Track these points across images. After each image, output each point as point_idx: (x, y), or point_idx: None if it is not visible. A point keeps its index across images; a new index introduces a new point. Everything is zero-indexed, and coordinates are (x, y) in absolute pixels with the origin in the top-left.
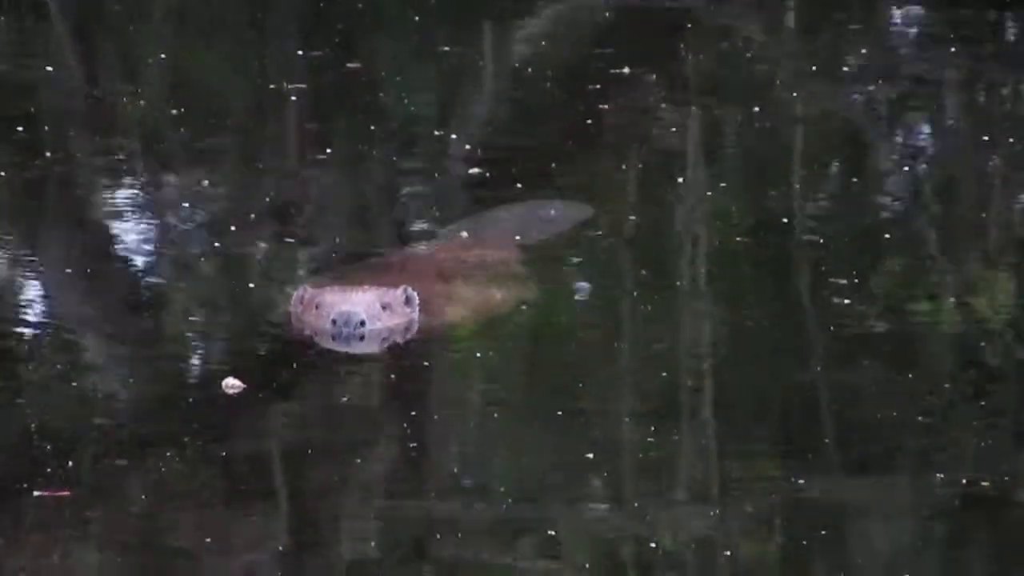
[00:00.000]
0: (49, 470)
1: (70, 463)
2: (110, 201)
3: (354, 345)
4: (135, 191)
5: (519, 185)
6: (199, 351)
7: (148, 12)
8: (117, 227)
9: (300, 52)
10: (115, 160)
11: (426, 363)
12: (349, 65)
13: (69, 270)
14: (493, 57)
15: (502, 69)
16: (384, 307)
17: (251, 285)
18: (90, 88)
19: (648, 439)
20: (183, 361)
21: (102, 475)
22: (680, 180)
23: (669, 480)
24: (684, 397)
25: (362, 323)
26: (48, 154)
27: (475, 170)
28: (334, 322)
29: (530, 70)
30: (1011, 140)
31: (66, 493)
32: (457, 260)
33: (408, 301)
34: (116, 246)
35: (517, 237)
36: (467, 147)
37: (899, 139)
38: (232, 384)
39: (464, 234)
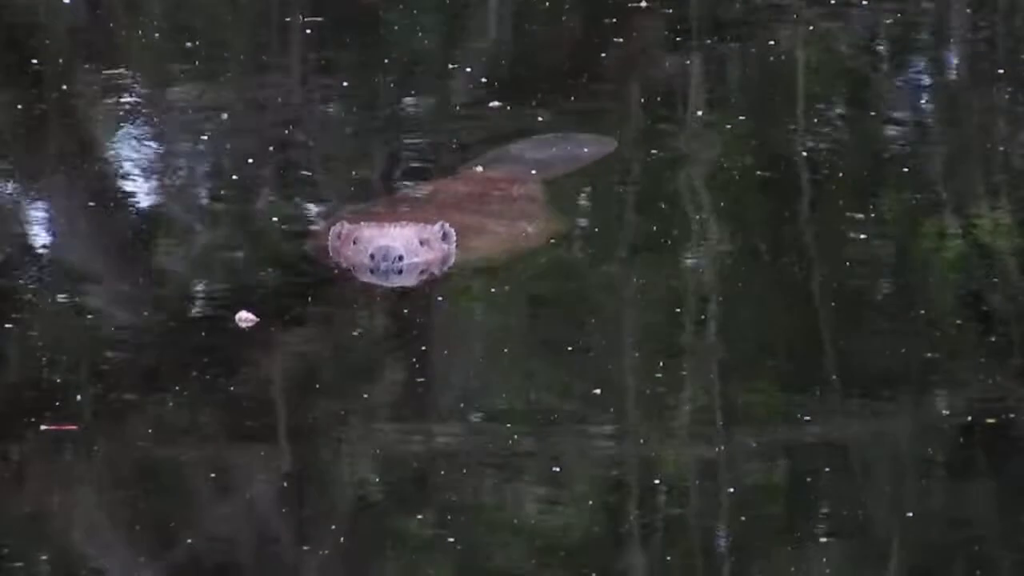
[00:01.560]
0: (57, 404)
1: (79, 397)
2: (116, 133)
3: (392, 280)
4: (141, 123)
5: (540, 119)
6: (208, 284)
7: None
8: (122, 159)
9: None
10: (121, 94)
11: (441, 297)
12: None
13: (74, 203)
14: None
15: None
16: (422, 242)
17: (275, 219)
18: (96, 21)
19: (655, 373)
20: (192, 295)
21: (110, 409)
22: (686, 114)
23: (674, 414)
24: (690, 331)
25: (400, 258)
26: (64, 87)
27: (494, 103)
28: (372, 257)
29: (547, 3)
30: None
31: (73, 427)
32: (484, 194)
33: (445, 236)
34: (122, 179)
35: (534, 171)
36: (483, 80)
37: (903, 69)
38: (245, 317)
39: (479, 168)
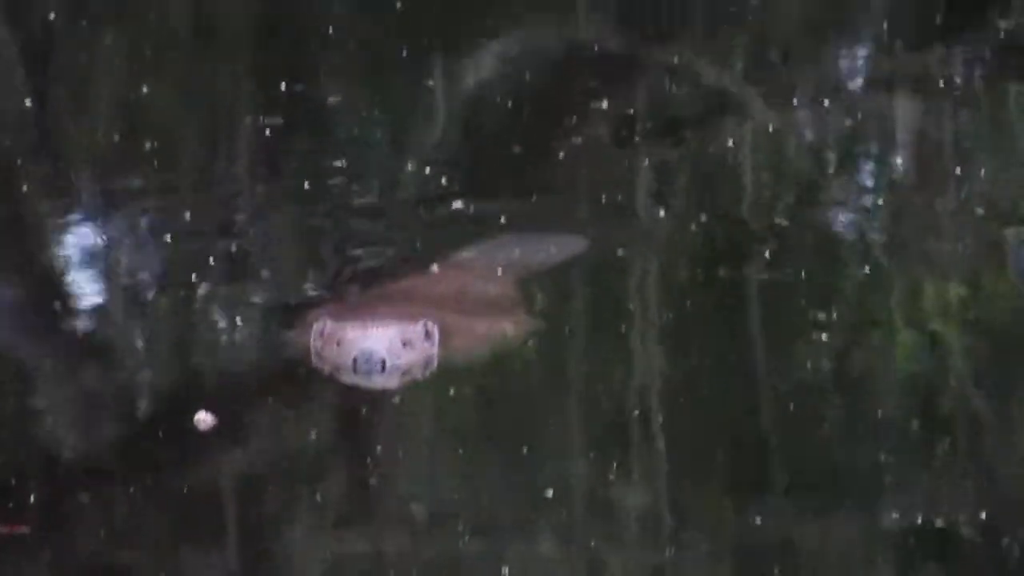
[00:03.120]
0: (11, 505)
1: (32, 498)
2: (60, 234)
3: (375, 381)
4: (91, 222)
5: (502, 219)
6: (164, 385)
7: (102, 46)
8: (71, 257)
9: (283, 86)
10: (67, 196)
11: (397, 399)
12: (331, 99)
13: (20, 301)
14: (464, 92)
15: (474, 104)
16: (405, 343)
17: (237, 322)
18: (41, 121)
19: (605, 477)
20: (140, 398)
21: (61, 511)
22: (641, 213)
23: (622, 520)
24: (639, 436)
25: (383, 361)
26: (12, 186)
27: (457, 204)
28: (355, 360)
29: (508, 104)
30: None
31: (24, 529)
32: (460, 292)
33: (428, 335)
34: (70, 277)
35: (500, 270)
36: (443, 181)
37: (852, 171)
38: (204, 419)
39: (434, 267)
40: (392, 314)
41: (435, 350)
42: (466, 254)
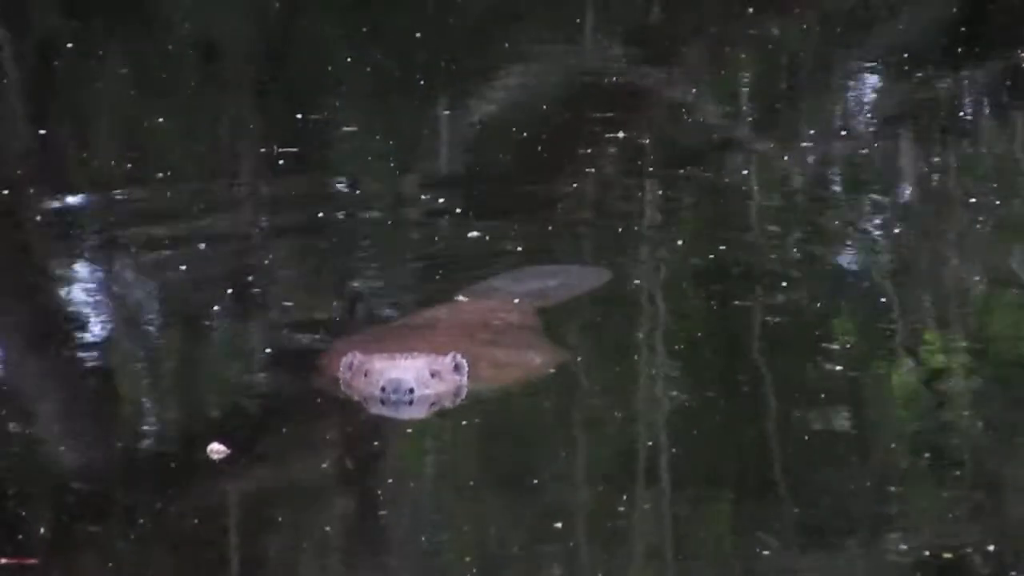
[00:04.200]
0: (20, 536)
1: (42, 530)
2: (66, 266)
3: (403, 411)
4: (100, 254)
5: (519, 248)
6: (175, 416)
7: (103, 75)
8: (74, 293)
9: (299, 116)
10: (78, 225)
11: (409, 430)
12: (345, 129)
13: (23, 339)
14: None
15: (488, 134)
16: (433, 374)
17: (250, 353)
18: (47, 154)
19: (609, 508)
20: (159, 426)
21: (71, 543)
22: (642, 245)
23: (628, 553)
24: (645, 467)
25: (411, 390)
26: (15, 218)
27: (473, 233)
28: (383, 389)
29: (525, 134)
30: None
31: (33, 561)
32: (485, 323)
33: (457, 368)
34: (72, 313)
35: (516, 300)
36: (457, 211)
37: (857, 200)
38: (217, 449)
39: (462, 298)
40: (420, 346)
41: (464, 381)
42: (488, 285)
